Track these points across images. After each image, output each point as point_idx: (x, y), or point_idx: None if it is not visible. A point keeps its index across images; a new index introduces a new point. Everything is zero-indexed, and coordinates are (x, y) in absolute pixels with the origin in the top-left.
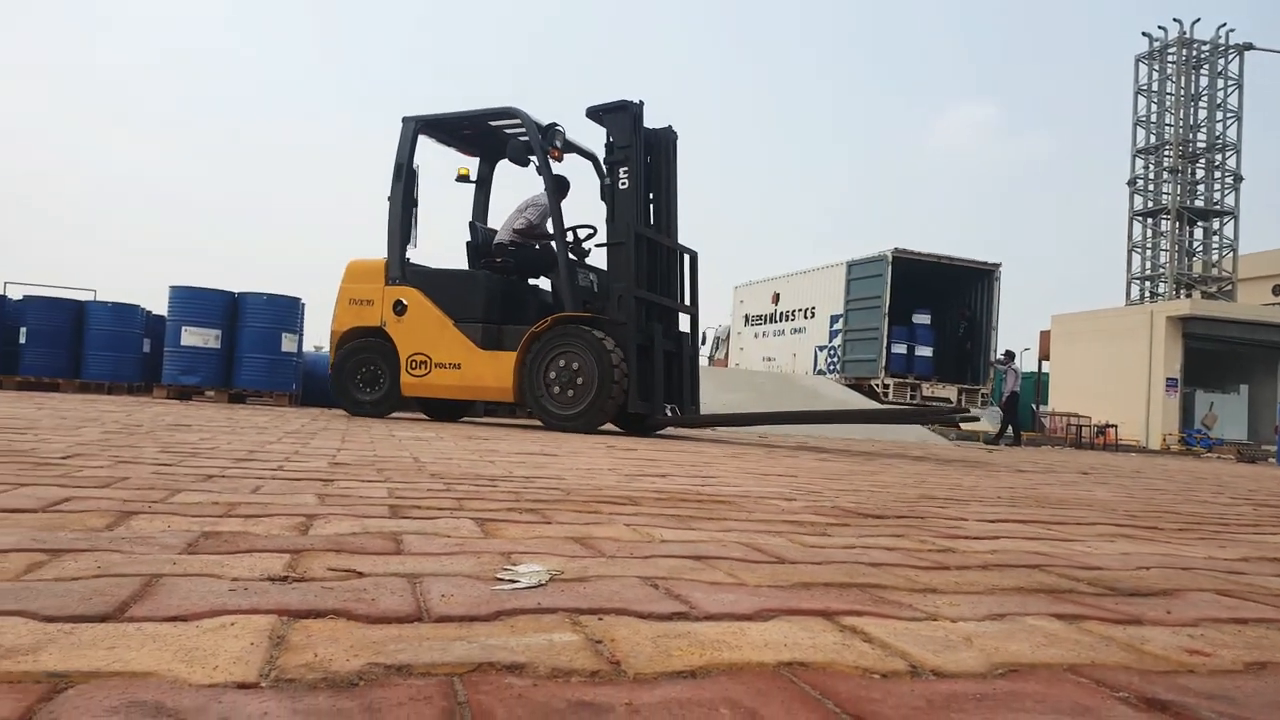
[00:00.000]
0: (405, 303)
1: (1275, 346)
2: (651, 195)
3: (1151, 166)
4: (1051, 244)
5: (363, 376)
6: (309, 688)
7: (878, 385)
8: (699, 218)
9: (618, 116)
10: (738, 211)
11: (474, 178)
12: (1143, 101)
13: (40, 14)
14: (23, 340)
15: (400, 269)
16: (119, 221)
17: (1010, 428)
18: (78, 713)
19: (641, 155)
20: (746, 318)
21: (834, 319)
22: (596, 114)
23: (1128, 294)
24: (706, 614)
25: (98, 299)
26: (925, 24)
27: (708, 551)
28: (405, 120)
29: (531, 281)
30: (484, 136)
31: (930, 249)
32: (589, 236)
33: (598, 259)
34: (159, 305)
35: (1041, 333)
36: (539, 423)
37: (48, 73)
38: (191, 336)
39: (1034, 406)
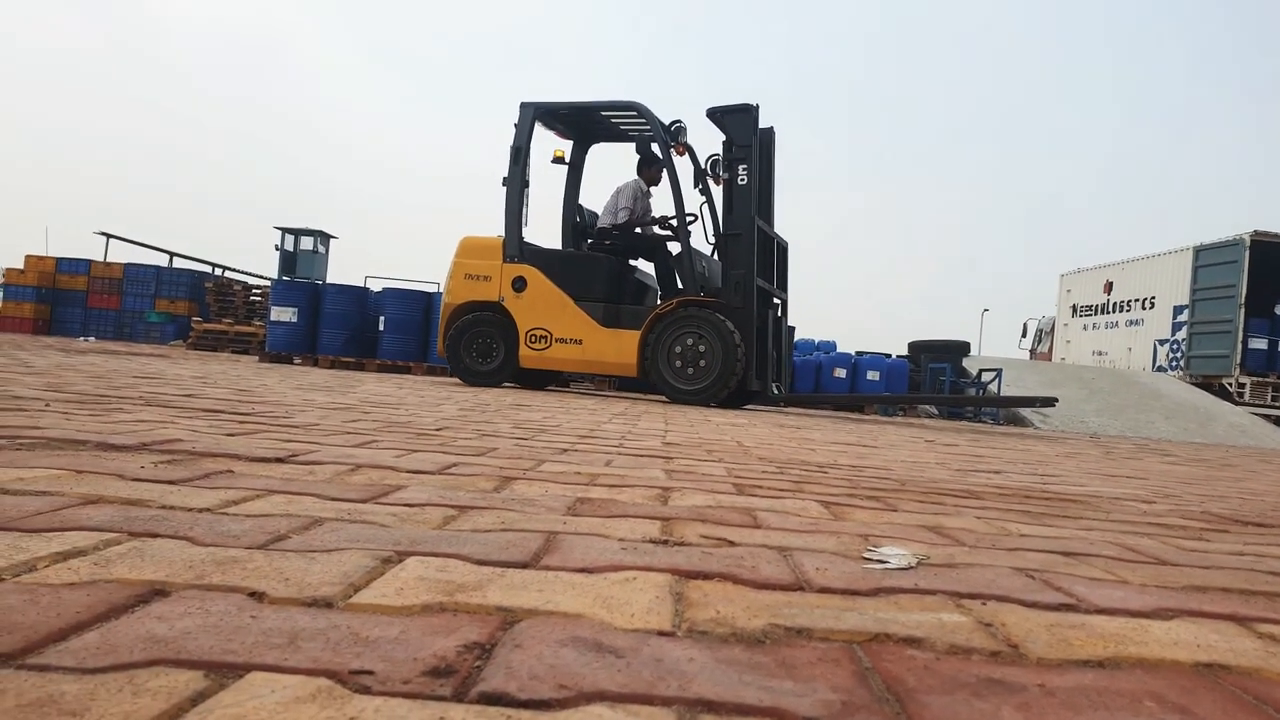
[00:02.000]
0: (525, 280)
1: None
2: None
3: None
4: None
5: (478, 348)
6: (721, 640)
7: (1230, 384)
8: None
9: (739, 118)
10: (1061, 196)
11: (568, 160)
12: None
13: None
14: (381, 328)
15: (518, 247)
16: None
17: None
18: (534, 642)
19: (758, 154)
20: (1074, 308)
21: (1177, 310)
22: (717, 114)
23: None
24: (1097, 608)
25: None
26: None
27: (1075, 548)
28: (524, 106)
29: (631, 263)
30: (592, 125)
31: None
32: (692, 222)
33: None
34: None
35: None
36: (639, 394)
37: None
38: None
39: None
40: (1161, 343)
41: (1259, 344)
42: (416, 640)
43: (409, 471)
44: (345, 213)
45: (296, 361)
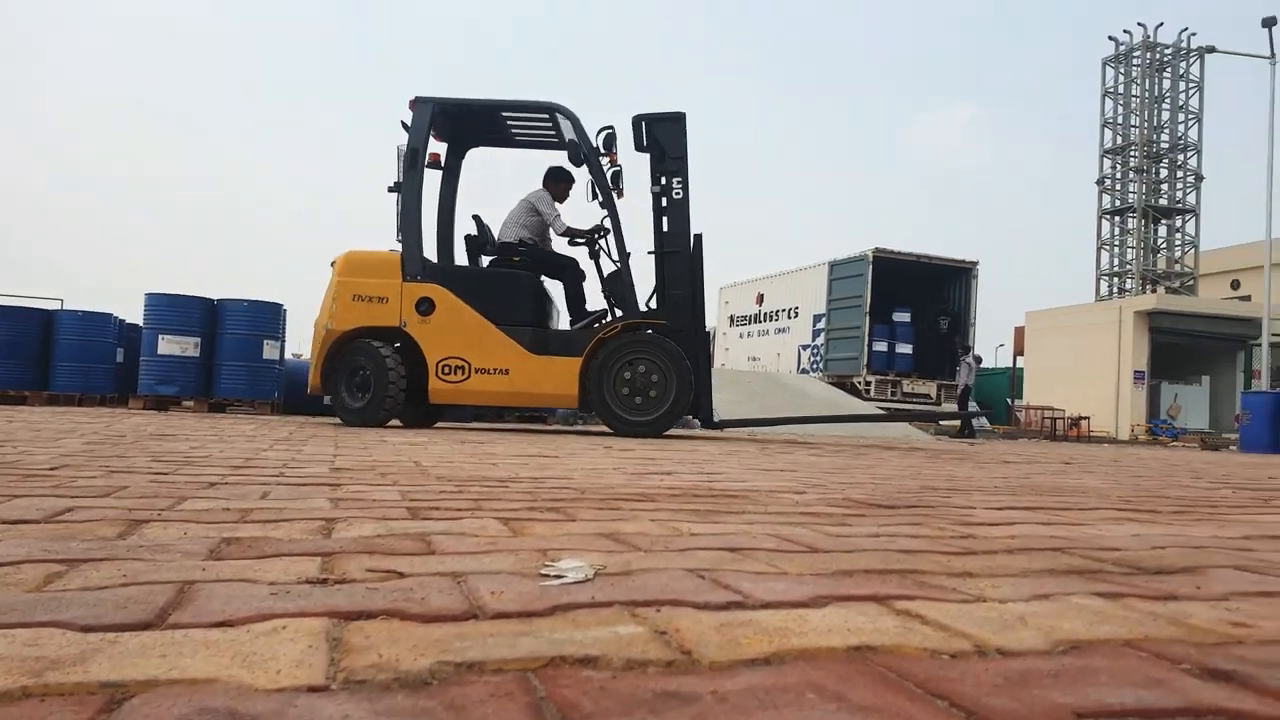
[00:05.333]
0: (433, 301)
1: (1234, 339)
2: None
3: (1119, 166)
4: (1027, 242)
5: (360, 381)
6: (383, 688)
7: (859, 383)
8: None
9: (670, 128)
10: (721, 212)
11: (442, 164)
12: (1109, 104)
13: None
14: None
15: (420, 264)
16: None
17: (967, 424)
18: None
19: (688, 166)
20: (731, 318)
21: (817, 318)
22: (644, 122)
23: (1097, 290)
24: (762, 602)
25: (65, 307)
26: (900, 26)
27: (740, 543)
28: (420, 101)
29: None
30: (486, 127)
31: (910, 248)
32: (604, 236)
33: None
34: (132, 313)
35: (1016, 329)
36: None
37: None
38: (169, 345)
39: (1009, 400)
40: (804, 348)
41: (880, 346)
42: None
43: (4, 523)
44: None
45: None
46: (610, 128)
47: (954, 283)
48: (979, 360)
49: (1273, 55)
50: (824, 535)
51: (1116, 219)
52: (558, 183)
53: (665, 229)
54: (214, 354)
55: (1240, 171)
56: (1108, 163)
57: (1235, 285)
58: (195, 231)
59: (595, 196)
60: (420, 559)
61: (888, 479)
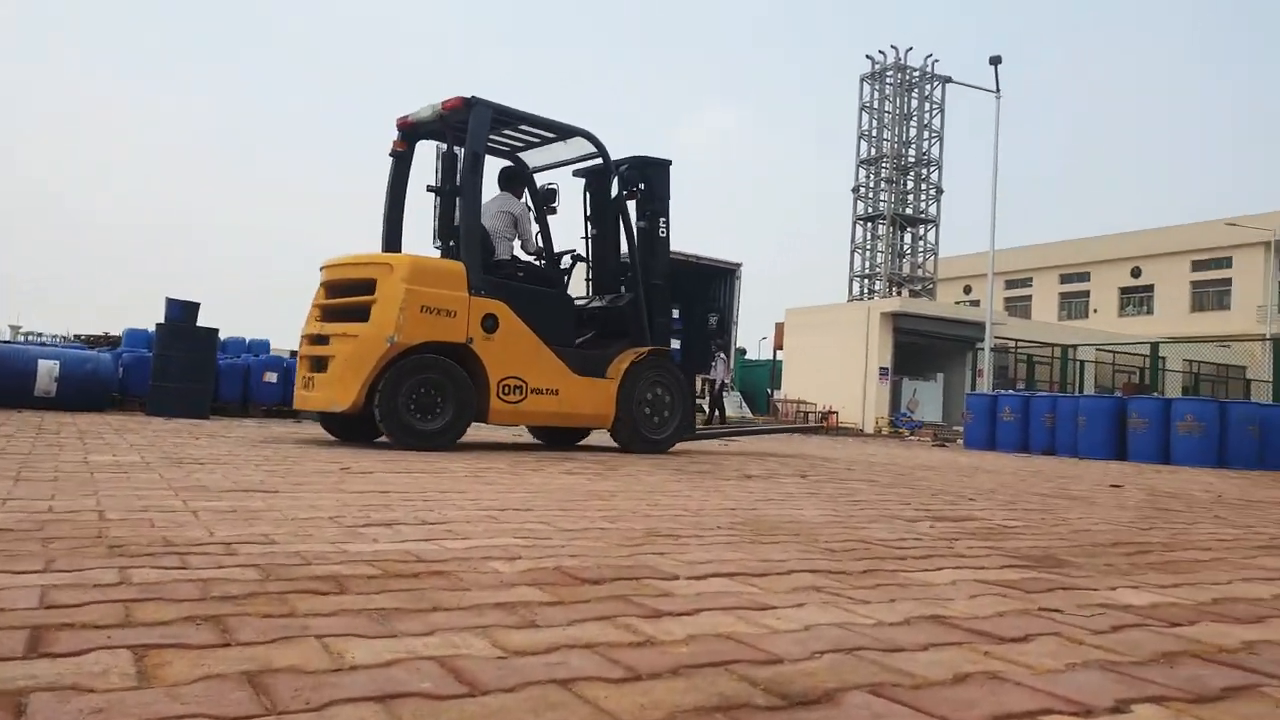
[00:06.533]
0: (497, 319)
1: (965, 340)
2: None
3: (872, 176)
4: (801, 241)
5: (421, 400)
6: None
7: None
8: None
9: (661, 172)
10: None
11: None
12: (865, 117)
13: None
14: None
15: (483, 278)
16: None
17: (717, 413)
18: None
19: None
20: None
21: None
22: (640, 163)
23: (849, 290)
24: None
25: None
26: (678, 30)
27: (394, 686)
28: (478, 103)
29: None
30: (505, 137)
31: (680, 248)
32: (576, 261)
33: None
34: None
35: (777, 324)
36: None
37: None
38: None
39: (769, 391)
40: None
41: None
42: None
43: None
44: None
45: None
46: (553, 184)
47: (721, 282)
48: (743, 352)
49: (998, 90)
50: (499, 651)
51: (869, 225)
52: (516, 186)
53: (651, 263)
54: None
55: (975, 187)
56: (863, 172)
57: (967, 290)
58: None
59: (589, 221)
60: None
61: (616, 520)
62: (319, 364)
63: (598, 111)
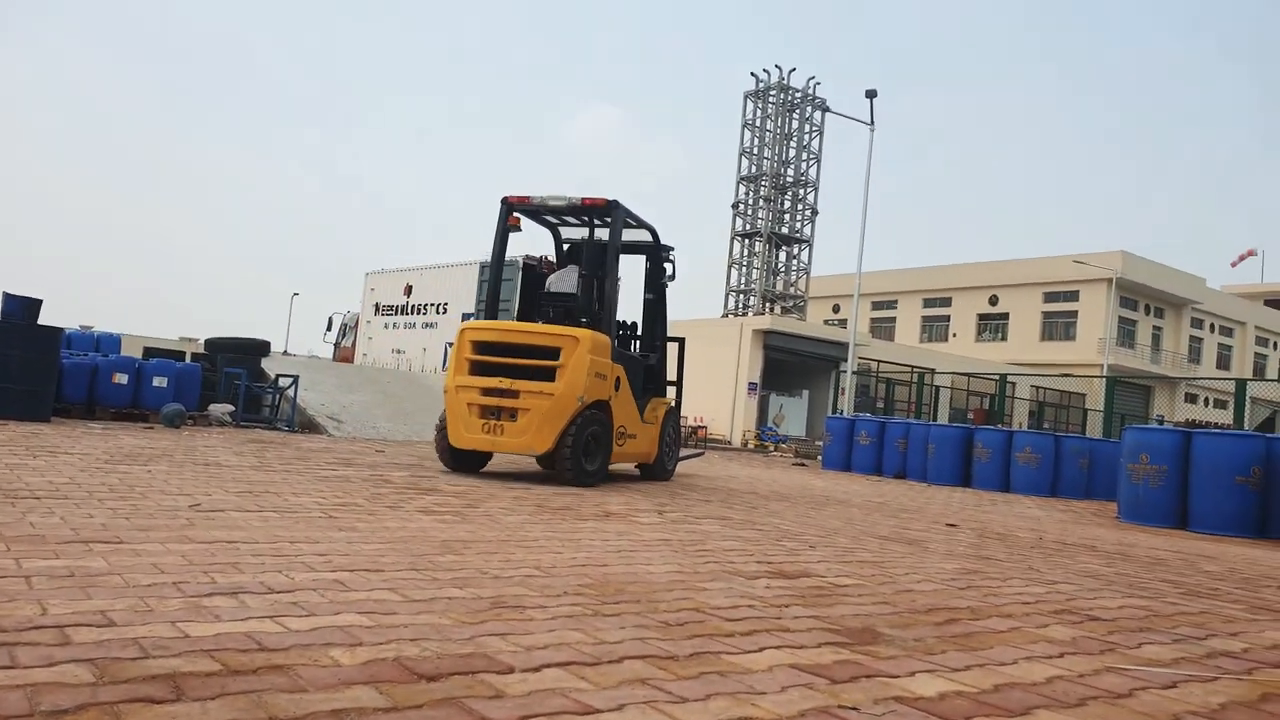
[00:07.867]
0: (620, 379)
1: (830, 359)
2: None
3: (751, 193)
4: (689, 255)
5: (583, 446)
6: None
7: None
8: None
9: (668, 251)
10: (376, 194)
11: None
12: (748, 134)
13: None
14: None
15: (616, 349)
16: None
17: None
18: None
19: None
20: (377, 306)
21: (465, 316)
22: (655, 236)
23: (725, 305)
24: None
25: None
26: (556, 27)
27: None
28: (619, 205)
29: None
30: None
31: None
32: (667, 340)
33: None
34: None
35: None
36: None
37: None
38: None
39: None
40: (451, 344)
41: None
42: None
43: None
44: None
45: None
46: (671, 248)
47: None
48: None
49: (871, 122)
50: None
51: (746, 241)
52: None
53: (663, 327)
54: None
55: (848, 209)
56: (743, 189)
57: (836, 309)
58: None
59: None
60: None
61: (466, 583)
62: (507, 413)
63: (479, 92)
